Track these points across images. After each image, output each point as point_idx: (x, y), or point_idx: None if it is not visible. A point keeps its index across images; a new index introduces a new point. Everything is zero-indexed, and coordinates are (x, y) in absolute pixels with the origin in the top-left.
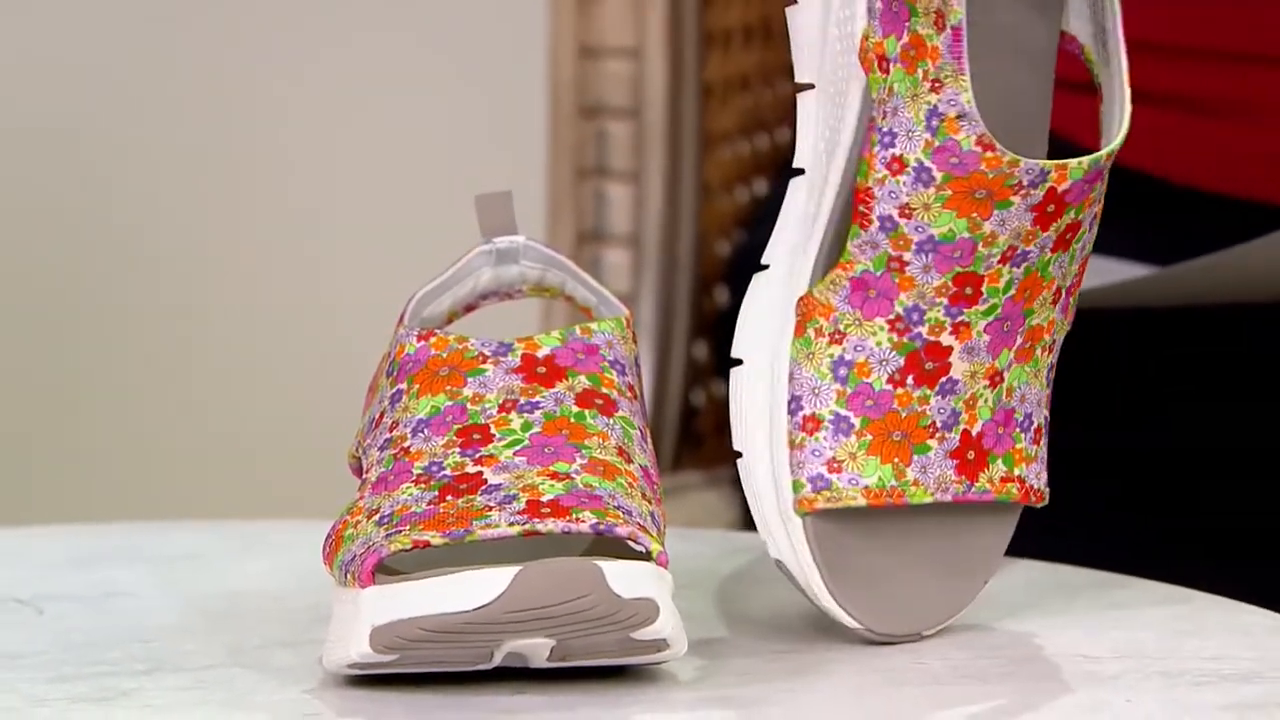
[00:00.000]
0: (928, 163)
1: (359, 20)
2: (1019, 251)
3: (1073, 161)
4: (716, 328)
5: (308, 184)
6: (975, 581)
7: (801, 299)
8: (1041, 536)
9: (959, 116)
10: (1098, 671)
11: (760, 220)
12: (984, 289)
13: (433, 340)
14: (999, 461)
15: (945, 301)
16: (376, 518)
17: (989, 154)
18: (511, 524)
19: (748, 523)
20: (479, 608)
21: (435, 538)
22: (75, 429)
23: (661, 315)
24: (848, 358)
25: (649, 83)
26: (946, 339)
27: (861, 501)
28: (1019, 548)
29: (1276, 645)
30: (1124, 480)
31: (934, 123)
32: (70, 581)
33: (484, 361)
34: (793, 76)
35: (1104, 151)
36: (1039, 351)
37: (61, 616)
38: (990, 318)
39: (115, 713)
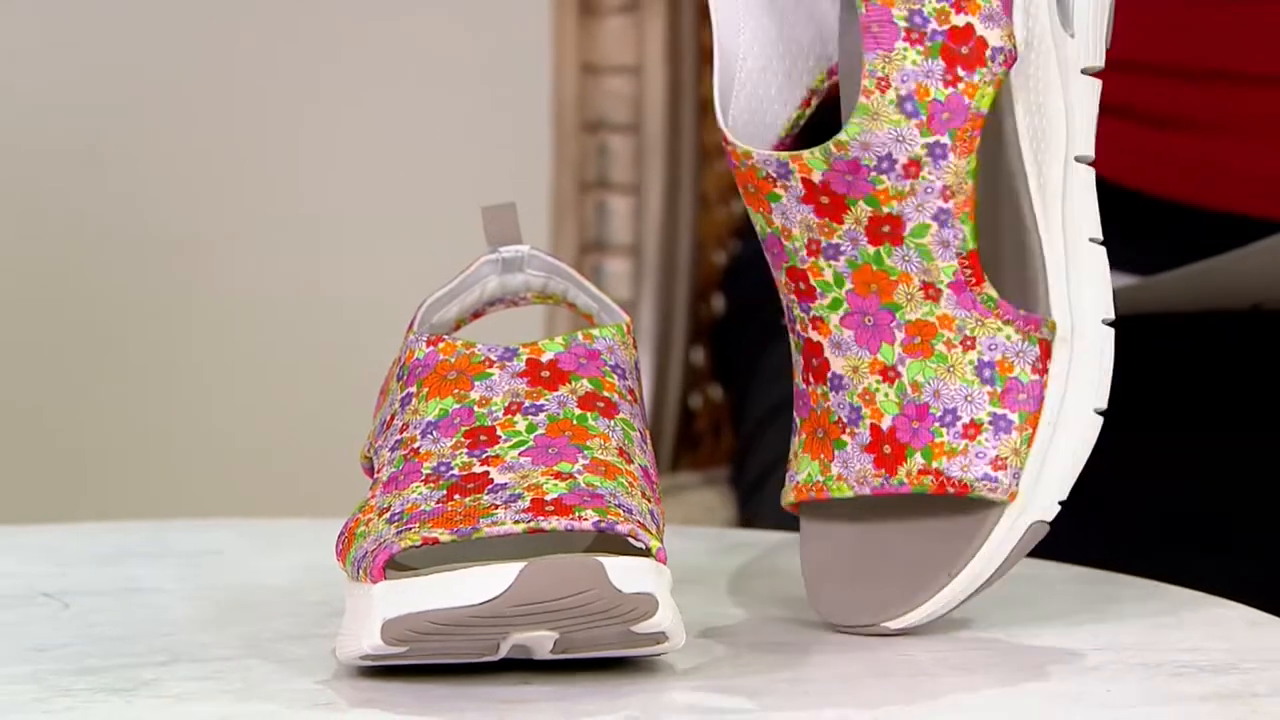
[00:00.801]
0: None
1: (370, 36)
2: (824, 245)
3: (805, 153)
4: (713, 334)
5: (322, 195)
6: (932, 577)
7: None
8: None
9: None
10: (1079, 663)
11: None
12: (814, 283)
13: (441, 346)
14: (916, 455)
15: (794, 298)
16: (387, 516)
17: (727, 146)
18: (517, 522)
19: (743, 521)
20: (486, 602)
21: (444, 535)
22: (100, 432)
23: (661, 322)
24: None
25: (648, 98)
26: (814, 335)
27: (791, 498)
28: None
29: (1252, 638)
30: (1115, 478)
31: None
32: (96, 577)
33: (490, 366)
34: None
35: (831, 142)
36: (941, 347)
37: (87, 610)
38: (840, 312)
39: (136, 702)
